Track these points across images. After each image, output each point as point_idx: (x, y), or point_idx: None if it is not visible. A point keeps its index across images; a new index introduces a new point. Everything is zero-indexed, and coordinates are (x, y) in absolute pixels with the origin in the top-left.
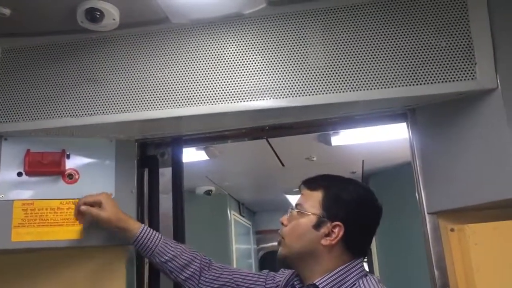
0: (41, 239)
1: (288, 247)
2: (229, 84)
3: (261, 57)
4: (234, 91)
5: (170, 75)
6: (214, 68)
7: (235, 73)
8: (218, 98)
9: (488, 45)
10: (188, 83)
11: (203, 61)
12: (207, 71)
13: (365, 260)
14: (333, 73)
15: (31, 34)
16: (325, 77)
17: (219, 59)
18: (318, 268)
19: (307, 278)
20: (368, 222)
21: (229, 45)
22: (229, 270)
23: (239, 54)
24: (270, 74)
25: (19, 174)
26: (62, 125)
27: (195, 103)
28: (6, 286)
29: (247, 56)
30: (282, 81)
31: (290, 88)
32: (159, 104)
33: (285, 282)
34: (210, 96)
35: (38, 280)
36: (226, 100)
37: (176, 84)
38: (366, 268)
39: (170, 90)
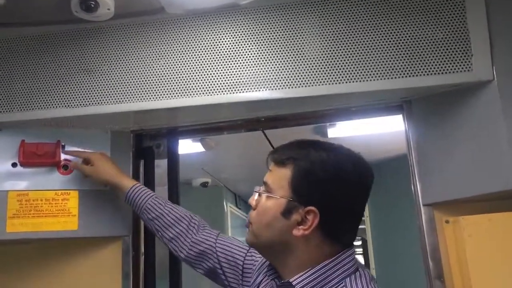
0: (36, 230)
1: (255, 235)
2: (224, 75)
3: (257, 48)
4: (229, 82)
5: (165, 65)
6: (210, 59)
7: (230, 64)
8: (214, 89)
9: (484, 37)
10: (184, 74)
11: (199, 52)
12: (202, 62)
13: (360, 251)
14: (329, 65)
15: (25, 24)
16: (321, 68)
17: (214, 50)
18: (293, 263)
19: (281, 272)
20: (352, 203)
21: (225, 36)
22: (214, 237)
23: (234, 45)
24: (266, 65)
25: (14, 165)
26: (56, 116)
27: (190, 94)
28: (1, 277)
29: (242, 47)
30: (278, 72)
31: (286, 80)
32: (155, 95)
33: (260, 266)
34: (206, 87)
35: (33, 271)
36: (222, 91)
37: (171, 75)
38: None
39: (165, 81)
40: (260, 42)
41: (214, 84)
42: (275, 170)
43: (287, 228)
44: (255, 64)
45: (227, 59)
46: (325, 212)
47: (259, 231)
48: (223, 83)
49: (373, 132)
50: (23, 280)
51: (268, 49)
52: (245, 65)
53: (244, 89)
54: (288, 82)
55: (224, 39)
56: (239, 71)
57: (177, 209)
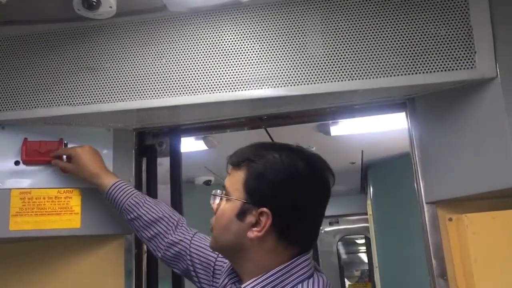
0: (39, 228)
1: (215, 239)
2: (227, 73)
3: (260, 46)
4: (232, 80)
5: (168, 63)
6: (212, 56)
7: (233, 61)
8: (216, 87)
9: (488, 34)
10: (186, 72)
11: (201, 50)
12: (205, 59)
13: (364, 249)
14: (332, 62)
15: (27, 22)
16: (324, 66)
17: (217, 48)
18: (250, 267)
19: (241, 276)
20: (306, 203)
21: (228, 34)
22: (190, 238)
23: (237, 43)
24: (268, 63)
25: (17, 163)
26: (59, 114)
27: (193, 92)
28: (4, 275)
29: (245, 45)
30: (280, 70)
31: (289, 77)
32: (157, 93)
33: (227, 268)
34: (208, 85)
35: (35, 269)
36: (224, 89)
37: (174, 73)
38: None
39: (168, 79)
40: (263, 40)
41: (216, 82)
42: (232, 173)
43: (242, 230)
44: (258, 61)
45: (230, 57)
46: (278, 213)
47: (218, 235)
48: (226, 81)
49: (376, 130)
50: (26, 277)
51: (271, 47)
52: (248, 62)
53: (247, 87)
54: (291, 80)
55: (226, 36)
56: (241, 69)
57: (155, 208)
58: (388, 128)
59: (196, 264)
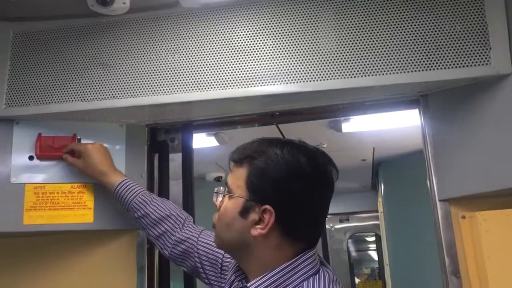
0: (53, 223)
1: (218, 237)
2: (239, 69)
3: (272, 42)
4: (244, 76)
5: (180, 59)
6: (224, 52)
7: (245, 57)
8: (228, 83)
9: (503, 30)
10: (198, 68)
11: (214, 46)
12: (217, 55)
13: (374, 247)
14: (345, 58)
15: (42, 18)
16: (336, 62)
17: (229, 44)
18: (254, 265)
19: (247, 274)
20: (308, 199)
21: (240, 30)
22: (197, 235)
23: (249, 39)
24: (280, 59)
25: (31, 158)
26: (73, 109)
27: (205, 88)
28: (18, 269)
29: (257, 41)
30: (292, 66)
31: (301, 73)
32: (169, 89)
33: (234, 264)
34: (220, 81)
35: (49, 263)
36: (236, 85)
37: (186, 69)
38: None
39: (180, 75)
40: (275, 36)
41: (228, 78)
42: (234, 170)
43: (245, 228)
44: (269, 57)
45: (242, 53)
46: (281, 210)
47: (221, 233)
48: (238, 77)
49: (387, 127)
50: (39, 271)
51: (283, 43)
52: (260, 58)
53: (259, 83)
54: (303, 76)
55: (238, 32)
56: (253, 65)
57: (163, 207)
58: (399, 125)
59: (203, 261)
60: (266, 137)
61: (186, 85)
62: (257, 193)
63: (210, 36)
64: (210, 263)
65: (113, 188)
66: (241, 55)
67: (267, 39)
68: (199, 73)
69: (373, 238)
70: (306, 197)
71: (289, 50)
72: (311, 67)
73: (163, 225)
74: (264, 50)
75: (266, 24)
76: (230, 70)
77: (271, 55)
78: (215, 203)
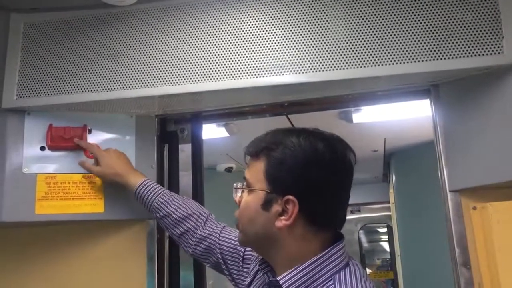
0: (64, 212)
1: (242, 232)
2: (249, 59)
3: (282, 32)
4: (254, 66)
5: (189, 50)
6: (234, 43)
7: (255, 47)
8: (238, 73)
9: None
10: (208, 58)
11: (223, 36)
12: (227, 46)
13: (386, 238)
14: (355, 48)
15: (52, 9)
16: (346, 51)
17: (239, 34)
18: (282, 258)
19: (274, 267)
20: (330, 185)
21: (249, 20)
22: (218, 231)
23: (259, 28)
24: (290, 49)
25: (42, 148)
26: (83, 100)
27: (214, 78)
28: (30, 258)
29: (267, 30)
30: (302, 56)
31: (311, 63)
32: (179, 79)
33: (257, 256)
34: (230, 71)
35: (59, 252)
36: (246, 76)
37: (196, 59)
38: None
39: (189, 65)
40: (285, 26)
41: (238, 68)
42: (251, 164)
43: (269, 221)
44: (279, 47)
45: (251, 43)
46: (304, 199)
47: (245, 228)
48: (247, 67)
49: (399, 118)
50: (50, 260)
51: (293, 33)
52: (270, 48)
53: (269, 73)
54: (313, 66)
55: (248, 22)
56: (263, 55)
57: (184, 206)
58: (411, 116)
59: (225, 255)
60: (279, 127)
61: (196, 75)
62: (278, 185)
63: (220, 26)
64: (232, 257)
65: (134, 188)
66: (250, 45)
67: (276, 29)
68: (208, 64)
69: (384, 229)
70: (327, 183)
71: (298, 40)
72: (320, 57)
73: (185, 224)
74: (274, 40)
75: (276, 14)
76: (239, 60)
77: (280, 45)
78: (234, 199)
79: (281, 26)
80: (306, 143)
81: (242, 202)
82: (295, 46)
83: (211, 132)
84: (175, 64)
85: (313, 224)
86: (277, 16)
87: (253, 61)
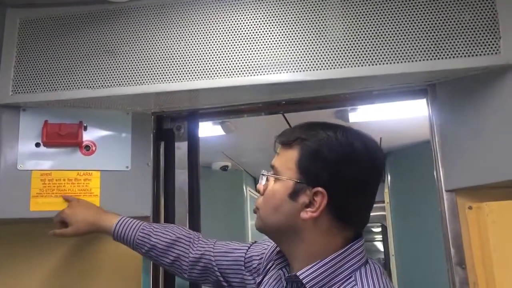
0: (59, 209)
1: (262, 220)
2: (245, 57)
3: (278, 30)
4: (250, 64)
5: (186, 47)
6: (231, 40)
7: (251, 45)
8: (234, 71)
9: None
10: (204, 56)
11: (220, 34)
12: (223, 43)
13: (380, 238)
14: (352, 47)
15: (48, 5)
16: (343, 50)
17: (235, 32)
18: (302, 251)
19: (291, 261)
20: (362, 184)
21: (246, 17)
22: (211, 249)
23: (256, 26)
24: (287, 47)
25: (37, 144)
26: (79, 97)
27: (211, 76)
28: (24, 255)
29: (264, 29)
30: (299, 54)
31: (308, 62)
32: (175, 77)
33: (270, 253)
34: (226, 69)
35: (55, 249)
36: (242, 73)
37: (192, 57)
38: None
39: (186, 63)
40: (282, 24)
41: (235, 66)
42: (282, 153)
43: (295, 211)
44: (276, 46)
45: (248, 41)
46: (334, 193)
47: (266, 216)
48: (244, 65)
49: (395, 117)
50: (45, 258)
51: (290, 31)
52: (267, 47)
53: (265, 71)
54: (310, 64)
55: (245, 20)
56: (260, 53)
57: (167, 233)
58: (407, 116)
59: (224, 271)
60: (312, 121)
61: (192, 73)
62: (309, 175)
63: (216, 23)
64: (232, 270)
65: (111, 232)
66: (247, 43)
67: (273, 27)
68: (205, 61)
69: (379, 229)
70: (359, 181)
71: (295, 39)
72: (317, 55)
73: (174, 251)
74: (271, 39)
75: (273, 12)
76: (236, 58)
77: (277, 43)
78: (258, 188)
79: (278, 24)
80: (343, 139)
81: (267, 190)
82: (292, 44)
83: (207, 130)
84: (172, 61)
85: (339, 220)
86: (275, 14)
87: (250, 59)
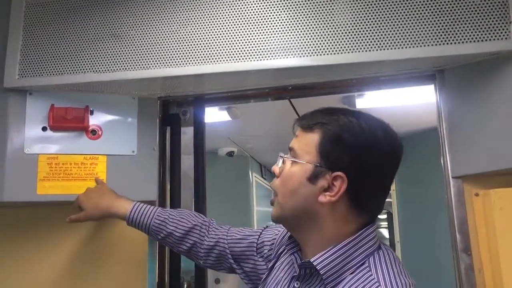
0: (66, 193)
1: (280, 205)
2: (252, 42)
3: (286, 13)
4: (257, 49)
5: (193, 31)
6: (237, 25)
7: (258, 30)
8: (241, 56)
9: None
10: (211, 40)
11: (226, 18)
12: (230, 27)
13: (385, 225)
14: (360, 31)
15: None
16: (351, 35)
17: (242, 16)
18: (317, 235)
19: (303, 248)
20: (381, 171)
21: (253, 1)
22: (225, 236)
23: (262, 11)
24: (294, 31)
25: (44, 128)
26: (85, 81)
27: (218, 61)
28: (31, 238)
29: (271, 13)
30: (306, 39)
31: (315, 46)
32: (181, 61)
33: (281, 238)
34: (233, 54)
35: (61, 233)
36: (249, 58)
37: (198, 41)
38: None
39: (193, 47)
40: (289, 8)
41: (241, 51)
42: (301, 136)
43: (313, 194)
44: (282, 30)
45: (255, 25)
46: (353, 178)
47: (285, 199)
48: (251, 50)
49: (403, 103)
50: (51, 241)
51: (297, 15)
52: (273, 31)
53: (272, 56)
54: (317, 49)
55: (252, 4)
56: (267, 37)
57: (183, 220)
58: (414, 102)
59: (238, 257)
60: (333, 106)
61: (199, 57)
62: (330, 160)
63: (223, 8)
64: (245, 255)
65: (126, 218)
66: (254, 28)
67: (280, 12)
68: (211, 46)
69: (384, 216)
70: (379, 167)
71: (302, 23)
72: (324, 40)
73: (190, 238)
74: (277, 23)
75: None
76: (243, 42)
77: (284, 28)
78: (273, 169)
79: (285, 8)
80: (365, 125)
81: (284, 173)
82: (299, 28)
83: (213, 115)
84: (178, 46)
85: (356, 206)
86: None
87: (257, 44)
